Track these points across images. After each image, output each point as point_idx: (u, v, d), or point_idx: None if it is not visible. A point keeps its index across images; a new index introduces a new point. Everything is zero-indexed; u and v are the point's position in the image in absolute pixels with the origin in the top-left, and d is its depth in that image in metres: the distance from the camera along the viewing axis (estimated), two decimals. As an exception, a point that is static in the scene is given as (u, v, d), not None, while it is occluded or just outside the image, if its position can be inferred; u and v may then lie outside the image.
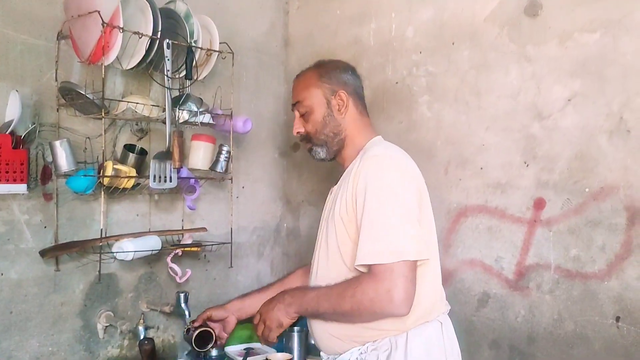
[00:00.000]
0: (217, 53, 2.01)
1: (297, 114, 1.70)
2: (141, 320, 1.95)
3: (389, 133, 2.22)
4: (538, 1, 1.88)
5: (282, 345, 2.11)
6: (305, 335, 2.04)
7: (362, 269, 1.46)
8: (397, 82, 2.24)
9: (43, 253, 1.77)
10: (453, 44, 2.08)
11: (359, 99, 1.70)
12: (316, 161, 1.72)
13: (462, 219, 2.05)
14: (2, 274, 1.70)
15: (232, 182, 2.16)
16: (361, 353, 1.54)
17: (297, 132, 1.69)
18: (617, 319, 1.73)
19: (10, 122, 1.65)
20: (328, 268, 1.58)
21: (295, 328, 1.99)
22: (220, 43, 2.01)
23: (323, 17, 2.49)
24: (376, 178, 1.47)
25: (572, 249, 1.82)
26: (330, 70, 1.67)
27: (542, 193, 1.88)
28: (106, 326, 1.93)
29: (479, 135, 2.01)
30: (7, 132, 1.64)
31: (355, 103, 1.68)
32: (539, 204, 1.89)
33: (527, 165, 1.91)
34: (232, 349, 2.11)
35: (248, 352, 2.02)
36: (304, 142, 1.72)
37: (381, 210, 1.44)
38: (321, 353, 1.68)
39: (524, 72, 1.92)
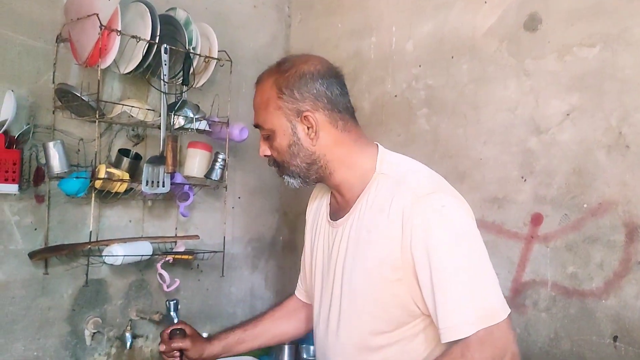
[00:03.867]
0: (215, 61, 2.01)
1: (259, 132, 1.33)
2: (128, 327, 1.92)
3: (387, 145, 2.17)
4: (537, 16, 1.88)
5: (272, 358, 2.08)
6: (295, 349, 2.01)
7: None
8: (396, 95, 2.23)
9: (32, 255, 1.75)
10: (452, 57, 2.08)
11: (337, 111, 1.28)
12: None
13: (458, 234, 2.02)
14: (-11, 275, 1.69)
15: (226, 190, 2.15)
16: None
17: (264, 155, 1.34)
18: (615, 338, 1.68)
19: (4, 122, 1.65)
20: (362, 327, 1.27)
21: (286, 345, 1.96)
22: (219, 51, 2.02)
23: (324, 31, 2.50)
24: (444, 228, 1.17)
25: (569, 265, 1.79)
26: (292, 81, 1.25)
27: (539, 208, 1.85)
28: (94, 332, 1.90)
29: (476, 149, 2.00)
30: (0, 132, 1.64)
31: (333, 119, 1.27)
32: (537, 220, 1.86)
33: (525, 180, 1.89)
34: None
35: None
36: (274, 167, 1.36)
37: (466, 266, 1.17)
38: None
39: (522, 86, 1.91)
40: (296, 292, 1.58)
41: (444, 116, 2.08)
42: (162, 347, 1.44)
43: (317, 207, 1.44)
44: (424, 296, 1.18)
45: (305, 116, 1.25)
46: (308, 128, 1.26)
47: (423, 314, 1.21)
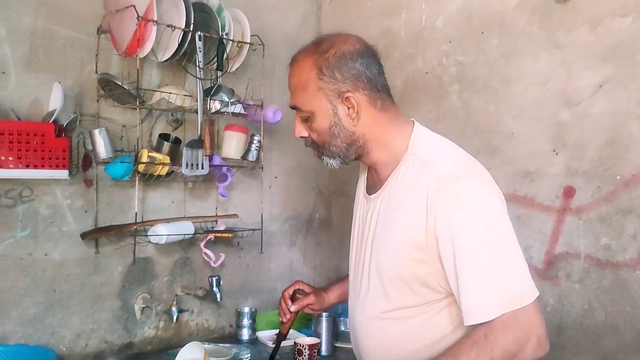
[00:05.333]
0: (248, 45, 2.07)
1: (296, 114, 1.34)
2: (174, 302, 2.03)
3: (420, 122, 2.21)
4: (568, -14, 1.86)
5: (310, 329, 2.16)
6: (333, 320, 2.08)
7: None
8: (427, 72, 2.25)
9: (84, 235, 1.88)
10: (482, 32, 2.07)
11: (376, 90, 1.29)
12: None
13: (491, 208, 2.04)
14: (46, 255, 1.82)
15: (263, 171, 2.22)
16: None
17: (301, 137, 1.35)
18: (649, 308, 1.69)
19: (53, 111, 1.77)
20: (388, 299, 1.31)
21: (324, 313, 2.03)
22: (251, 36, 2.08)
23: (354, 10, 2.52)
24: (467, 212, 1.18)
25: (602, 237, 1.79)
26: (333, 62, 1.24)
27: (571, 181, 1.85)
28: (143, 307, 2.03)
29: (507, 123, 2.00)
30: (50, 121, 1.75)
31: (372, 99, 1.28)
32: (569, 192, 1.86)
33: (557, 153, 1.89)
34: (263, 334, 2.17)
35: (279, 336, 2.08)
36: (311, 148, 1.37)
37: (490, 250, 1.18)
38: None
39: (553, 59, 1.89)
40: None
41: (475, 92, 2.09)
42: (293, 308, 1.58)
43: (360, 181, 1.49)
44: (449, 280, 1.20)
45: (346, 97, 1.25)
46: (349, 108, 1.26)
47: (447, 292, 1.24)
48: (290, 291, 1.61)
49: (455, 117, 2.15)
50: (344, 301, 1.59)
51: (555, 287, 1.88)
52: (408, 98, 2.29)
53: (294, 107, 1.31)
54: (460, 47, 2.14)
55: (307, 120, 1.30)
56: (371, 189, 1.39)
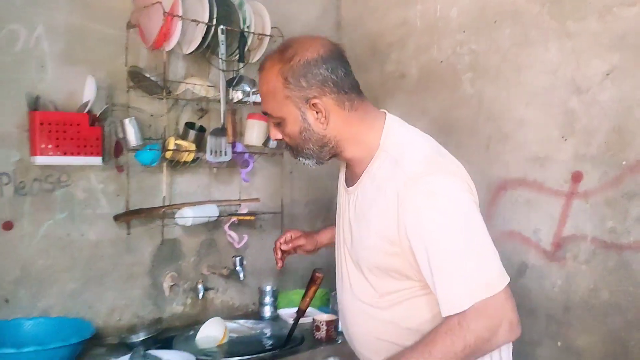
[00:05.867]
0: (268, 37, 2.17)
1: (268, 118, 1.37)
2: (200, 281, 2.17)
3: (434, 110, 2.32)
4: (579, -23, 1.91)
5: (328, 307, 2.28)
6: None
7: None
8: (442, 61, 2.31)
9: (116, 218, 2.02)
10: (495, 22, 2.13)
11: (344, 92, 1.31)
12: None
13: (502, 192, 2.11)
14: (82, 235, 1.96)
15: (283, 157, 2.33)
16: None
17: (276, 139, 1.40)
18: (651, 289, 1.76)
19: (87, 102, 1.90)
20: (372, 287, 1.38)
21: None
22: (271, 28, 2.18)
23: (373, 1, 2.59)
24: (435, 208, 1.23)
25: (608, 220, 1.85)
26: (297, 69, 1.27)
27: (579, 166, 1.91)
28: (171, 285, 2.17)
29: (519, 110, 2.06)
30: (84, 112, 1.88)
31: (340, 101, 1.31)
32: (577, 177, 1.92)
33: (565, 140, 1.95)
34: (284, 312, 2.30)
35: (298, 313, 2.19)
36: (287, 149, 1.42)
37: (460, 243, 1.23)
38: None
39: (563, 47, 1.95)
40: None
41: (488, 80, 2.15)
42: (285, 247, 1.69)
43: (340, 173, 1.55)
44: (424, 275, 1.25)
45: (314, 103, 1.28)
46: (317, 113, 1.29)
47: (424, 281, 1.28)
48: (282, 239, 1.73)
49: (468, 105, 2.21)
50: (333, 243, 1.62)
51: (563, 268, 1.95)
52: (423, 86, 2.37)
53: (265, 113, 1.35)
54: (473, 36, 2.20)
55: (279, 125, 1.34)
56: (349, 181, 1.44)
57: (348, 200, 1.42)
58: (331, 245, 1.65)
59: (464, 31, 2.23)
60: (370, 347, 1.36)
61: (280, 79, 1.28)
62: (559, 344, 1.95)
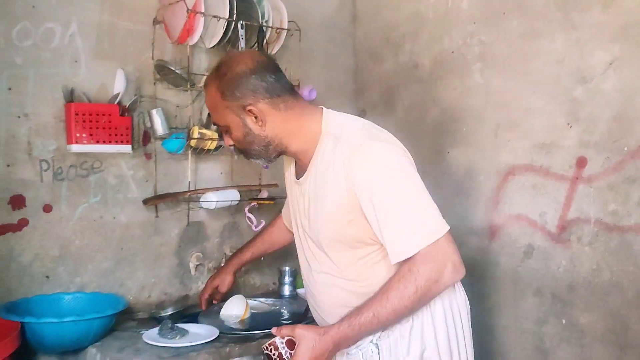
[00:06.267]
0: (285, 31, 2.28)
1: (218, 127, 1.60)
2: (224, 260, 2.31)
3: (445, 98, 2.41)
4: (584, -31, 1.97)
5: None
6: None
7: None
8: (453, 52, 2.40)
9: (145, 202, 2.16)
10: (504, 14, 2.20)
11: (276, 96, 1.48)
12: None
13: (509, 178, 2.20)
14: (114, 218, 2.11)
15: (301, 145, 2.45)
16: (383, 330, 1.49)
17: (228, 145, 1.57)
18: (650, 269, 1.84)
19: (117, 94, 2.03)
20: (333, 263, 1.53)
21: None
22: (289, 22, 2.29)
23: (387, -7, 2.69)
24: (376, 169, 1.41)
25: (610, 204, 1.93)
26: (230, 84, 1.45)
27: (584, 152, 1.99)
28: (197, 265, 2.31)
29: (526, 99, 2.14)
30: (115, 103, 2.02)
31: (274, 104, 1.47)
32: (581, 163, 2.00)
33: (570, 127, 2.03)
34: (303, 291, 2.42)
35: None
36: (237, 152, 1.64)
37: (401, 197, 1.40)
38: None
39: (569, 38, 2.02)
40: (283, 218, 2.03)
41: (496, 70, 2.23)
42: (205, 295, 2.10)
43: (289, 170, 1.70)
44: (375, 231, 1.42)
45: (249, 110, 1.45)
46: (255, 118, 1.46)
47: (379, 243, 1.45)
48: (206, 295, 2.11)
49: (478, 93, 2.30)
50: (255, 259, 2.11)
51: (567, 249, 2.04)
52: (435, 75, 2.46)
53: (214, 123, 1.55)
54: (483, 27, 2.28)
55: (227, 132, 1.52)
56: (299, 174, 1.59)
57: (301, 192, 1.58)
58: (259, 257, 2.09)
59: (474, 22, 2.31)
60: (338, 314, 1.46)
61: (218, 94, 1.47)
62: (563, 321, 2.05)
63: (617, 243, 1.91)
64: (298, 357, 1.37)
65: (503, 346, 2.21)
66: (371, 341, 1.49)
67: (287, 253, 2.58)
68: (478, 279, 2.27)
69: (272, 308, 2.23)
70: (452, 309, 1.55)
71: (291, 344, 1.41)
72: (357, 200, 1.41)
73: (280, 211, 2.10)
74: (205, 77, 1.56)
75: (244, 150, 1.55)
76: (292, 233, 1.82)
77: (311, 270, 1.60)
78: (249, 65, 1.47)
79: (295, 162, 1.63)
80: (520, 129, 2.17)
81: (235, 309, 2.09)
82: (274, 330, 1.45)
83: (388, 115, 2.66)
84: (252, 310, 2.13)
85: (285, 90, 1.51)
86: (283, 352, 1.40)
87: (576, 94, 2.01)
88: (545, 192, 2.10)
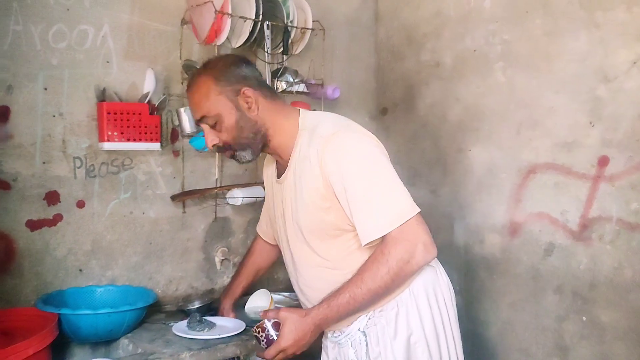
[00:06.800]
0: (310, 30, 2.32)
1: (205, 127, 1.58)
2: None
3: (467, 97, 2.44)
4: (608, -32, 1.98)
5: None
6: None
7: (373, 242, 1.48)
8: (475, 50, 2.42)
9: (173, 198, 2.22)
10: (527, 12, 2.22)
11: (263, 86, 1.61)
12: (242, 163, 1.67)
13: (531, 176, 2.22)
14: (143, 213, 2.17)
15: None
16: (369, 319, 1.58)
17: (213, 145, 1.59)
18: (672, 267, 1.85)
19: (147, 93, 2.09)
20: (315, 253, 1.60)
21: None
22: (313, 21, 2.32)
23: (409, -8, 2.71)
24: (347, 156, 1.47)
25: (632, 202, 1.95)
26: (224, 70, 1.55)
27: (606, 151, 2.01)
28: (222, 259, 2.37)
29: (548, 98, 2.16)
30: (145, 102, 2.08)
31: (263, 93, 1.58)
32: (603, 161, 2.02)
33: (593, 126, 2.04)
34: None
35: None
36: (223, 151, 1.62)
37: (370, 182, 1.47)
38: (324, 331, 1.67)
39: (592, 37, 2.03)
40: (261, 235, 2.02)
41: (519, 68, 2.25)
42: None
43: (269, 172, 1.77)
44: (347, 215, 1.49)
45: (243, 92, 1.53)
46: (247, 101, 1.54)
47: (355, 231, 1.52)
48: None
49: (500, 92, 2.32)
50: (247, 289, 2.05)
51: (589, 247, 2.06)
52: (457, 74, 2.48)
53: (200, 119, 1.56)
54: (505, 26, 2.30)
55: (215, 125, 1.55)
56: (280, 174, 1.66)
57: (281, 190, 1.65)
58: (250, 284, 2.05)
59: (496, 21, 2.33)
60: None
61: (211, 80, 1.54)
62: (584, 318, 2.07)
63: (639, 242, 1.93)
64: (283, 337, 1.48)
65: (523, 342, 2.24)
66: (359, 329, 1.58)
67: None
68: (499, 276, 2.30)
69: (296, 302, 2.27)
70: (437, 295, 1.62)
71: (277, 326, 1.52)
72: (331, 186, 1.49)
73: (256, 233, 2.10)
74: (189, 80, 1.63)
75: (233, 139, 1.57)
76: (274, 248, 1.95)
77: (296, 266, 1.67)
78: (237, 59, 1.61)
79: (276, 163, 1.71)
80: (542, 128, 2.18)
81: (260, 303, 2.13)
82: (261, 314, 1.56)
83: (409, 113, 2.69)
84: (276, 305, 2.17)
85: (268, 87, 1.66)
86: (271, 333, 1.51)
87: (599, 92, 2.02)
88: (566, 191, 2.12)
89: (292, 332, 1.48)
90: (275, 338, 1.50)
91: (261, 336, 1.53)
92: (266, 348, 1.52)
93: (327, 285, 1.56)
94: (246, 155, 1.60)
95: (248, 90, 1.54)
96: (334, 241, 1.57)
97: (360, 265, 1.51)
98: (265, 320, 1.53)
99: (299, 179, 1.56)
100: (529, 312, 2.22)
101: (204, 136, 1.61)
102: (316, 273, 1.62)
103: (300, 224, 1.59)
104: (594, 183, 2.04)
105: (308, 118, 1.61)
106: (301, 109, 1.64)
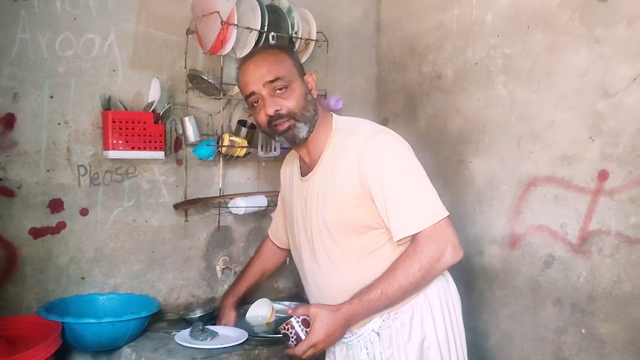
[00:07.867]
0: (314, 42, 2.34)
1: (265, 94, 1.57)
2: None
3: (468, 109, 2.46)
4: (608, -14, 2.01)
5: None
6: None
7: (404, 240, 1.55)
8: (476, 63, 2.45)
9: (176, 206, 2.23)
10: (528, 27, 2.25)
11: None
12: (286, 145, 1.72)
13: (531, 188, 2.24)
14: (146, 221, 2.18)
15: (326, 153, 2.51)
16: (384, 320, 1.61)
17: (276, 111, 1.57)
18: (671, 281, 1.87)
19: (152, 102, 2.10)
20: (340, 250, 1.62)
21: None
22: (317, 33, 2.35)
23: (411, 4, 2.73)
24: (387, 155, 1.55)
25: (632, 216, 1.97)
26: (294, 52, 1.70)
27: (606, 165, 2.03)
28: (223, 268, 2.38)
29: (549, 112, 2.19)
30: (150, 111, 2.09)
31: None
32: (603, 176, 2.04)
33: (593, 140, 2.07)
34: None
35: None
36: (280, 121, 1.59)
37: (407, 181, 1.55)
38: None
39: (592, 53, 2.06)
40: (271, 237, 2.10)
41: (520, 82, 2.28)
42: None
43: (290, 170, 1.82)
44: (380, 213, 1.55)
45: (310, 73, 1.66)
46: (311, 85, 1.65)
47: (384, 227, 1.58)
48: None
49: (501, 105, 2.35)
50: (251, 289, 2.10)
51: (588, 260, 2.08)
52: (458, 87, 2.51)
53: (273, 80, 1.57)
54: (507, 40, 2.32)
55: (285, 90, 1.58)
56: (305, 173, 1.72)
57: (306, 187, 1.69)
58: (254, 287, 2.10)
59: (498, 35, 2.36)
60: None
61: (285, 52, 1.64)
62: (583, 331, 2.09)
63: (638, 256, 1.95)
64: (314, 333, 1.50)
65: (522, 353, 2.26)
66: (373, 330, 1.61)
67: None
68: (499, 287, 2.32)
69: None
70: (447, 302, 1.67)
71: (306, 323, 1.54)
72: (367, 185, 1.55)
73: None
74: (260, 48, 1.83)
75: (299, 109, 1.60)
76: (283, 252, 2.01)
77: (319, 263, 1.67)
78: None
79: (301, 161, 1.76)
80: (542, 141, 2.21)
81: (261, 312, 2.15)
82: (290, 310, 1.59)
83: (410, 123, 2.71)
84: (277, 314, 2.19)
85: None
86: (299, 330, 1.53)
87: (599, 108, 2.05)
88: (566, 204, 2.14)
89: (323, 327, 1.51)
90: (303, 335, 1.53)
91: (291, 333, 1.54)
92: (295, 345, 1.54)
93: (348, 283, 1.59)
94: (302, 130, 1.61)
95: (314, 75, 1.67)
96: (360, 238, 1.60)
97: (383, 263, 1.57)
98: (294, 318, 1.55)
99: (330, 174, 1.61)
100: (528, 324, 2.24)
101: (256, 111, 1.64)
102: (338, 270, 1.63)
103: (326, 219, 1.62)
104: (593, 197, 2.07)
105: (342, 121, 1.69)
106: (333, 113, 1.73)
